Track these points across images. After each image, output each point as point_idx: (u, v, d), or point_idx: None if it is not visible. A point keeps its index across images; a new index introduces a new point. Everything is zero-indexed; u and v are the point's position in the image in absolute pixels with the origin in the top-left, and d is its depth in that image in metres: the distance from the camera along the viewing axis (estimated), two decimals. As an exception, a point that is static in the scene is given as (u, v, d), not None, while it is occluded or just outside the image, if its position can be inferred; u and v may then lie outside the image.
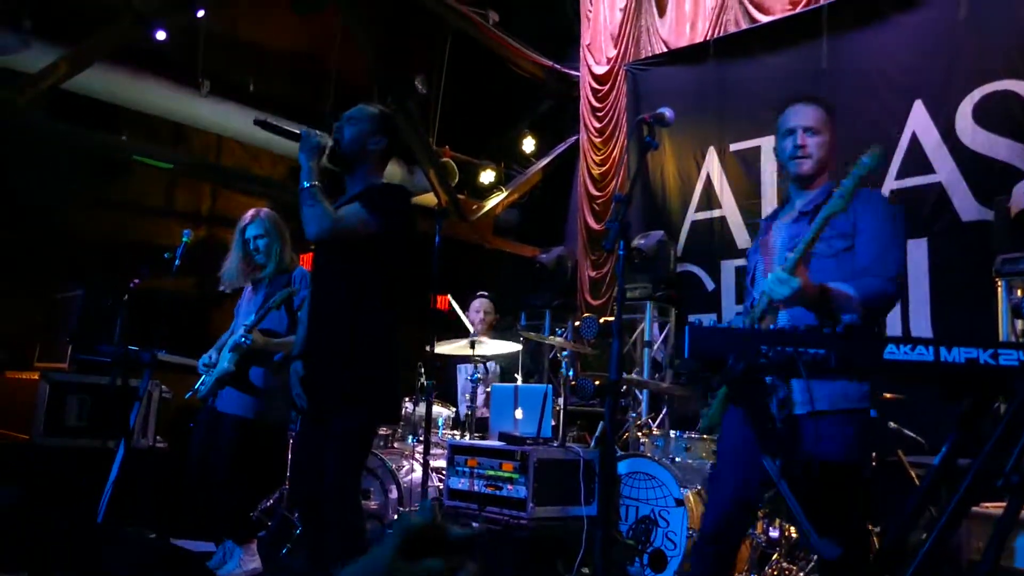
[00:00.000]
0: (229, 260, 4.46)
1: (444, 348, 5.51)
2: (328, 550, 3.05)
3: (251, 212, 4.48)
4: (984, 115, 5.35)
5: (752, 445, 2.57)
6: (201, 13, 6.80)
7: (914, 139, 5.65)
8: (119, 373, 4.57)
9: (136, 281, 4.62)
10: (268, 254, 4.37)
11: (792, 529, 4.41)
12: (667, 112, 2.52)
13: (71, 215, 6.94)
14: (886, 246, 2.59)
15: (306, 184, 2.99)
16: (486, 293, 6.48)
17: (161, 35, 6.61)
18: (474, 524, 4.18)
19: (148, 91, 6.87)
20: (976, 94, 5.39)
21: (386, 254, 3.14)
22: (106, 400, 5.29)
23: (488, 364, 5.96)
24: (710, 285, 6.73)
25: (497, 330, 6.48)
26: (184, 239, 4.54)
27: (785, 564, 4.29)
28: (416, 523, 0.74)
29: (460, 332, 6.11)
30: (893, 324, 5.53)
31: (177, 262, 4.50)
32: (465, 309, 6.41)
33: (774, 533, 4.43)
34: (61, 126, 6.55)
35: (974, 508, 3.05)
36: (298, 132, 3.09)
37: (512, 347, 5.67)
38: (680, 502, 4.25)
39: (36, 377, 5.36)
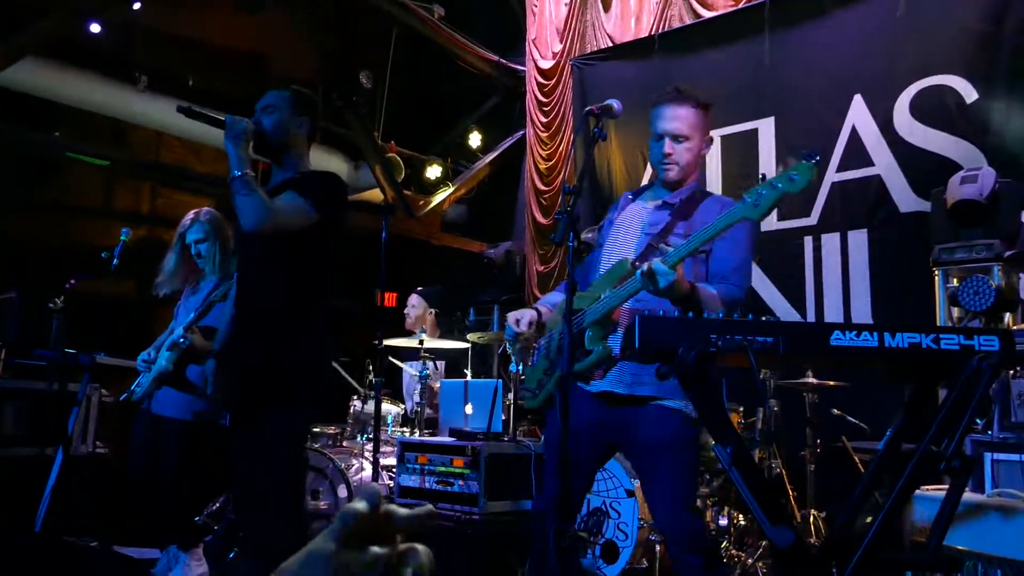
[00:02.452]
0: (165, 263, 4.30)
1: (392, 344, 5.47)
2: (275, 551, 2.97)
3: (191, 215, 4.32)
4: (921, 109, 5.47)
5: (596, 426, 2.70)
6: (137, 6, 6.63)
7: (854, 132, 5.76)
8: (56, 377, 4.43)
9: (72, 283, 4.49)
10: (211, 258, 4.24)
11: (740, 517, 4.47)
12: (615, 103, 2.52)
13: (3, 216, 6.72)
14: (743, 259, 2.72)
15: (237, 172, 2.87)
16: (420, 289, 6.43)
17: (96, 28, 6.44)
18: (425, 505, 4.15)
19: (83, 87, 6.68)
20: (913, 88, 5.51)
21: (321, 243, 3.02)
22: (44, 406, 5.14)
23: (436, 361, 5.93)
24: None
25: (440, 326, 6.45)
26: (123, 238, 4.41)
27: (734, 551, 4.35)
28: (359, 510, 0.71)
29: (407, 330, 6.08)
30: (835, 312, 5.64)
31: (115, 262, 4.36)
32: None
33: (723, 521, 4.48)
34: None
35: (917, 491, 3.13)
36: (222, 119, 2.96)
37: (459, 344, 5.65)
38: (631, 493, 4.28)
39: (-31, 383, 5.19)
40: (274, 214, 2.86)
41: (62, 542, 4.10)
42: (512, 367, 4.85)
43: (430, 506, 0.76)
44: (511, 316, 2.84)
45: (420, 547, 0.73)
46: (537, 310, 2.87)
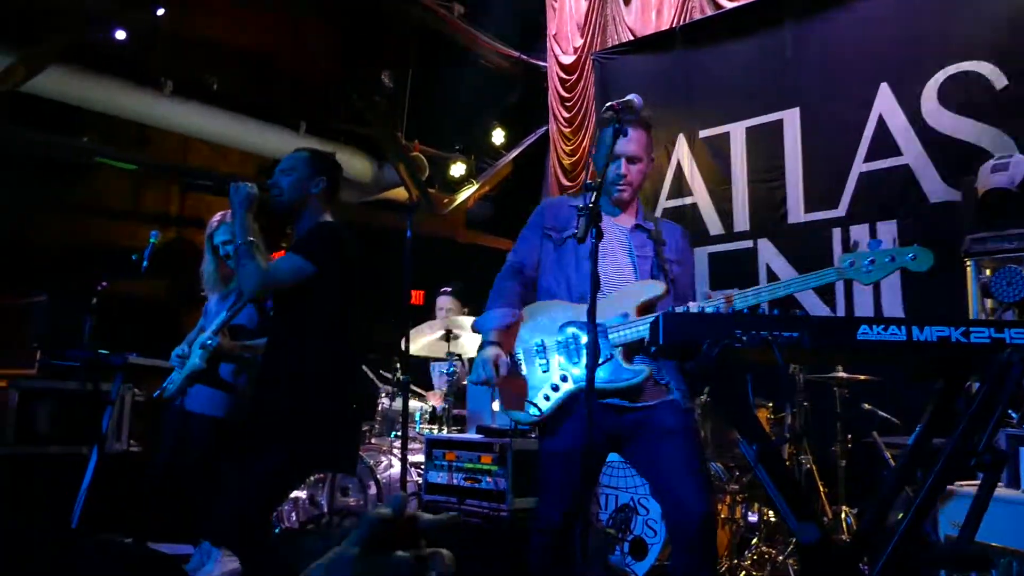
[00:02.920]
0: (204, 266, 4.37)
1: (419, 343, 5.48)
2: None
3: (217, 217, 4.38)
4: (949, 96, 5.39)
5: (602, 435, 2.67)
6: (161, 12, 6.69)
7: (881, 121, 5.69)
8: (89, 377, 4.50)
9: (103, 284, 4.55)
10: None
11: (770, 513, 4.44)
12: (635, 98, 2.51)
13: (36, 220, 6.83)
14: (692, 282, 2.94)
15: (240, 241, 3.06)
16: (449, 288, 6.44)
17: (121, 35, 6.51)
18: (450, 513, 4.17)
19: (110, 92, 6.76)
20: (941, 75, 5.43)
21: (323, 295, 3.10)
22: (77, 405, 5.22)
23: (464, 359, 5.93)
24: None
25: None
26: (152, 240, 4.47)
27: (764, 548, 4.32)
28: (382, 516, 0.72)
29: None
30: (865, 306, 5.58)
31: (145, 264, 4.42)
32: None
33: (753, 518, 4.46)
34: (21, 130, 6.43)
35: (949, 486, 3.09)
36: (225, 186, 3.16)
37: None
38: (659, 489, 4.27)
39: (4, 385, 5.27)
40: (269, 279, 3.04)
41: (98, 539, 4.16)
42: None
43: (454, 513, 0.77)
44: (487, 363, 2.72)
45: (444, 552, 0.73)
46: (497, 343, 2.79)
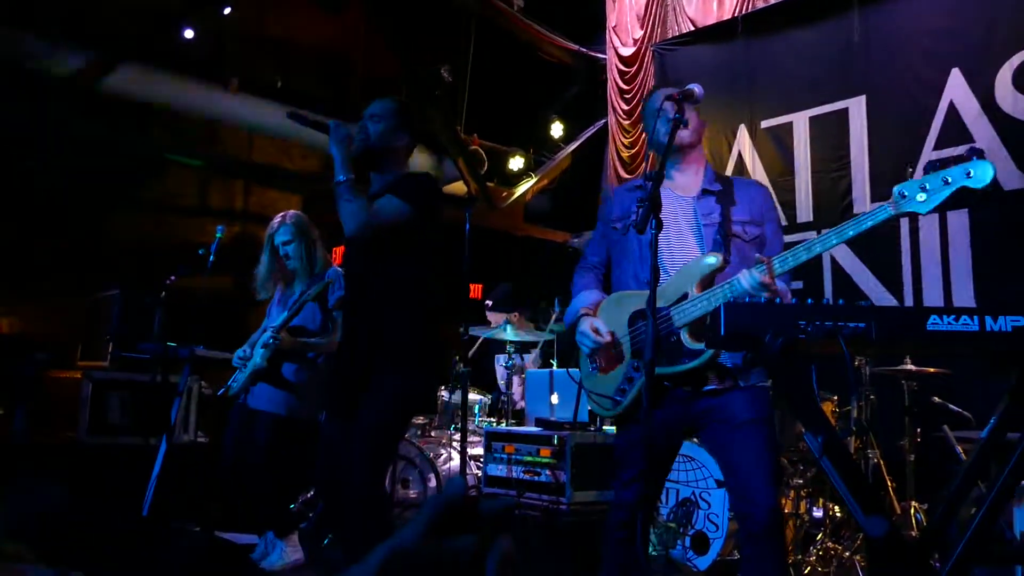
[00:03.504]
0: (260, 267, 4.44)
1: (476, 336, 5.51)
2: (360, 544, 3.04)
3: (278, 218, 4.44)
4: (1024, 82, 5.21)
5: (673, 421, 2.64)
6: (228, 11, 6.83)
7: (951, 108, 5.52)
8: (159, 370, 4.62)
9: (172, 278, 4.67)
10: (298, 259, 4.35)
11: (836, 508, 4.35)
12: (696, 88, 2.46)
13: (107, 216, 7.03)
14: (782, 240, 2.75)
15: (341, 177, 3.02)
16: (489, 303, 6.45)
17: (189, 34, 6.66)
18: (509, 497, 4.18)
19: (178, 90, 6.92)
20: (1016, 60, 5.25)
21: (419, 244, 3.15)
22: (147, 397, 5.36)
23: (524, 354, 5.96)
24: (745, 264, 6.65)
25: (527, 319, 6.46)
26: (218, 235, 4.57)
27: (830, 544, 4.23)
28: (446, 500, 0.72)
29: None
30: (934, 296, 5.42)
31: (212, 258, 4.53)
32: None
33: (818, 513, 4.37)
34: (93, 128, 6.63)
35: (1024, 482, 2.99)
36: (327, 123, 3.11)
37: (544, 335, 5.66)
38: (721, 483, 4.21)
39: (78, 376, 5.45)
40: (373, 219, 3.02)
41: (168, 527, 4.27)
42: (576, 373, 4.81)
43: (515, 499, 0.77)
44: (588, 327, 2.73)
45: (505, 537, 0.73)
46: (588, 314, 2.80)
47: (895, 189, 2.21)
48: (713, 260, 2.54)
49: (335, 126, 3.10)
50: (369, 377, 3.04)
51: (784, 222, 6.35)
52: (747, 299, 2.38)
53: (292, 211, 4.52)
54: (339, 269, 4.41)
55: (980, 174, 2.08)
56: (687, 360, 2.54)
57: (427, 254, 3.19)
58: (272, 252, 4.39)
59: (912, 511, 4.24)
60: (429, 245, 3.19)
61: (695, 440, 4.44)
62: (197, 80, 7.00)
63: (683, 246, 2.72)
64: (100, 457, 5.22)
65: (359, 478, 3.00)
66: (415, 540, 0.70)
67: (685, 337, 2.55)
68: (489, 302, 6.44)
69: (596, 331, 2.71)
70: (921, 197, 2.15)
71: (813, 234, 6.07)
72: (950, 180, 2.11)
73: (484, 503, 0.74)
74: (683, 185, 2.79)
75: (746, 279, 2.38)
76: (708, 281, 2.55)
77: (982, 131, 5.37)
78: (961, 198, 5.37)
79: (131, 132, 6.95)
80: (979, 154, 2.08)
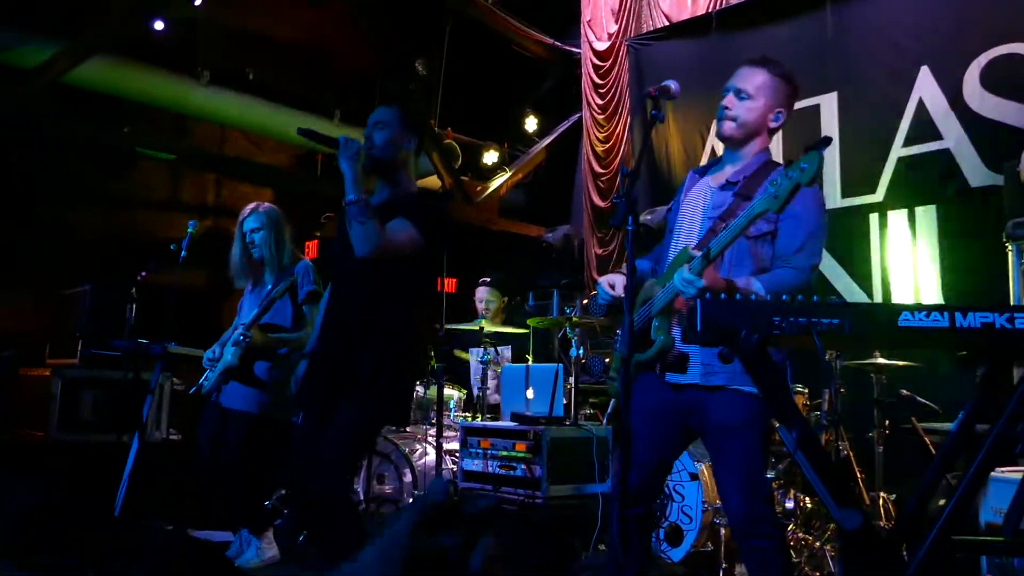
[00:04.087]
0: (232, 255, 4.41)
1: (452, 328, 5.51)
2: (335, 542, 3.02)
3: (250, 206, 4.41)
4: (992, 79, 5.29)
5: (666, 408, 2.68)
6: (199, 2, 6.75)
7: (921, 105, 5.60)
8: (130, 367, 4.57)
9: (143, 274, 4.62)
10: (266, 247, 4.32)
11: (807, 499, 4.41)
12: (672, 84, 2.48)
13: (76, 210, 6.94)
14: (808, 237, 2.61)
15: (352, 197, 2.93)
16: (488, 280, 6.46)
17: (159, 25, 6.58)
18: (486, 498, 4.19)
19: (148, 82, 6.84)
20: (983, 58, 5.33)
21: (421, 266, 3.16)
22: (119, 394, 5.31)
23: (499, 347, 5.95)
24: (718, 259, 6.70)
25: (506, 313, 6.47)
26: (189, 230, 4.52)
27: (801, 534, 4.29)
28: (431, 501, 0.73)
29: (471, 315, 6.10)
30: (904, 291, 5.50)
31: (183, 254, 4.48)
32: (473, 292, 6.41)
33: (789, 504, 4.42)
34: (62, 121, 6.53)
35: (992, 473, 3.04)
36: (337, 139, 3.05)
37: (520, 329, 5.67)
38: (695, 476, 4.26)
39: (48, 373, 5.38)
40: (388, 244, 2.97)
41: (140, 525, 4.24)
42: (572, 352, 4.84)
43: (494, 500, 0.78)
44: (604, 280, 2.79)
45: (489, 537, 0.74)
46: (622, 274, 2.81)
47: (766, 185, 2.34)
48: (686, 253, 2.55)
49: (345, 141, 3.03)
50: (350, 379, 3.00)
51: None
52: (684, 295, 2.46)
53: (267, 203, 4.50)
54: (308, 263, 4.40)
55: (809, 165, 2.20)
56: (646, 349, 2.62)
57: (426, 274, 3.25)
58: (242, 239, 4.37)
59: (881, 501, 4.32)
60: (426, 270, 3.23)
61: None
62: (168, 72, 6.91)
63: (687, 237, 2.74)
64: (71, 455, 5.16)
65: (329, 476, 2.93)
66: (402, 540, 0.71)
67: (655, 325, 2.62)
68: (487, 279, 6.43)
69: (611, 286, 2.77)
70: (775, 196, 2.28)
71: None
72: (791, 176, 2.24)
73: (467, 503, 0.75)
74: (722, 175, 2.80)
75: (677, 277, 2.43)
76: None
77: (951, 128, 5.45)
78: (928, 193, 5.43)
79: (100, 125, 6.86)
80: (815, 146, 2.23)
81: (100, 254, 6.73)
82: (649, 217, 6.55)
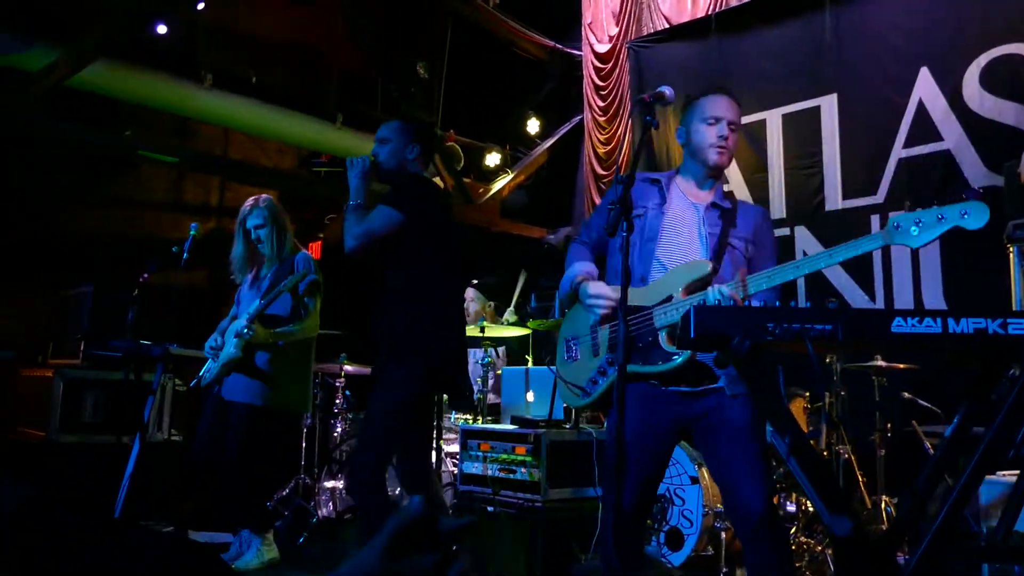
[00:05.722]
0: (234, 251, 4.50)
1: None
2: (368, 525, 3.31)
3: (250, 201, 4.49)
4: (991, 80, 5.29)
5: (665, 422, 2.66)
6: (201, 6, 6.77)
7: (921, 107, 5.60)
8: (132, 368, 4.59)
9: (145, 276, 4.64)
10: (270, 242, 4.40)
11: (808, 503, 4.41)
12: (667, 91, 2.49)
13: (79, 213, 6.96)
14: (775, 262, 2.72)
15: (352, 202, 3.33)
16: (476, 283, 6.49)
17: (162, 29, 6.60)
18: (488, 508, 4.19)
19: (151, 86, 6.84)
20: (983, 59, 5.33)
21: (410, 245, 3.31)
22: (120, 395, 5.32)
23: (497, 348, 5.96)
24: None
25: (500, 315, 6.47)
26: (192, 232, 4.55)
27: (803, 538, 4.29)
28: (404, 520, 0.73)
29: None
30: (905, 294, 5.50)
31: (185, 255, 4.50)
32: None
33: (791, 508, 4.43)
34: (65, 124, 6.55)
35: (990, 476, 3.04)
36: (344, 161, 3.44)
37: (521, 331, 5.67)
38: (695, 480, 4.26)
39: (50, 374, 5.40)
40: (365, 229, 3.28)
41: (139, 527, 4.24)
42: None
43: (473, 518, 0.78)
44: (600, 290, 2.68)
45: (464, 554, 0.75)
46: (592, 278, 2.81)
47: (891, 219, 2.26)
48: (706, 267, 2.59)
49: (351, 163, 3.41)
50: (379, 374, 3.33)
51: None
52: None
53: (264, 195, 4.55)
54: (307, 253, 4.48)
55: (976, 216, 2.12)
56: (661, 362, 2.57)
57: (427, 256, 3.36)
58: (244, 235, 4.44)
59: (883, 505, 4.31)
60: (417, 249, 3.34)
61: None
62: (171, 76, 6.92)
63: (688, 249, 2.75)
64: (72, 456, 5.17)
65: (360, 462, 3.35)
66: (376, 560, 0.71)
67: (663, 339, 2.57)
68: (475, 282, 6.45)
69: (600, 296, 2.68)
70: (915, 231, 2.19)
71: (787, 230, 6.18)
72: (944, 217, 2.15)
73: (445, 520, 0.75)
74: (696, 194, 2.85)
75: (713, 293, 2.45)
76: (695, 287, 2.57)
77: (950, 129, 5.45)
78: (929, 194, 5.44)
79: (103, 128, 6.87)
80: (975, 195, 2.13)
81: (103, 255, 6.74)
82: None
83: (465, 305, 6.35)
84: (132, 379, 4.54)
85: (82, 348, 5.66)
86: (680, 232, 2.79)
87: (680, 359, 2.54)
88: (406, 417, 3.33)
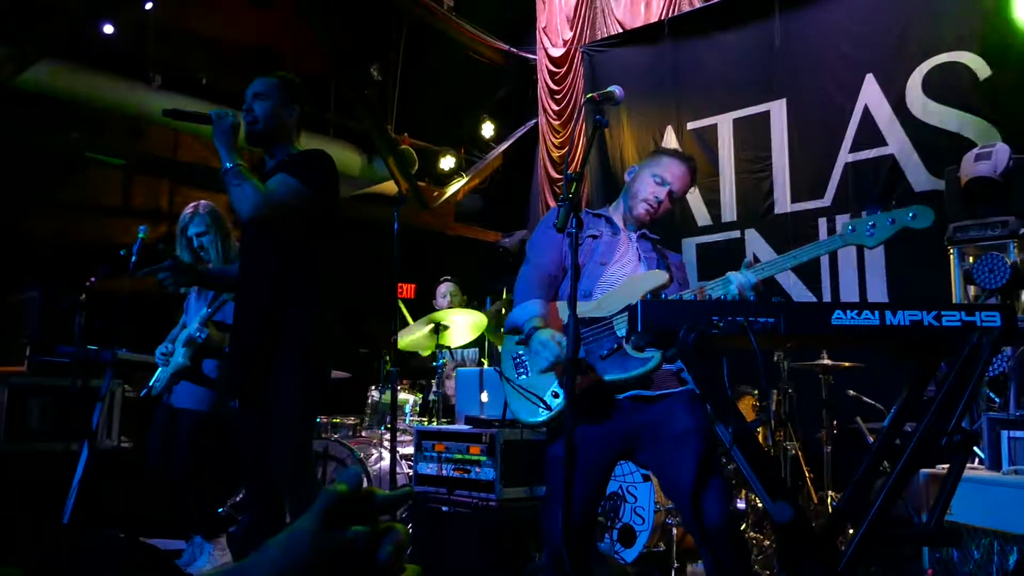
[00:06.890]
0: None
1: (412, 336, 5.51)
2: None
3: (190, 209, 4.35)
4: (934, 87, 5.44)
5: (609, 432, 2.66)
6: (149, 6, 6.69)
7: (866, 112, 5.74)
8: (79, 374, 4.51)
9: (93, 280, 4.56)
10: (214, 249, 4.29)
11: (758, 499, 4.48)
12: (616, 90, 2.52)
13: (25, 216, 6.82)
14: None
15: (228, 164, 2.92)
16: (449, 276, 6.49)
17: (108, 29, 6.51)
18: (443, 508, 4.20)
19: (99, 87, 6.74)
20: (925, 66, 5.48)
21: (316, 216, 3.06)
22: (68, 402, 5.22)
23: (467, 352, 5.99)
24: (672, 263, 6.79)
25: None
26: (140, 235, 4.46)
27: (752, 533, 4.36)
28: (339, 491, 0.74)
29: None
30: (851, 294, 5.62)
31: (134, 259, 4.43)
32: (431, 297, 6.42)
33: (741, 505, 4.50)
34: (10, 125, 6.42)
35: (931, 470, 3.13)
36: (208, 114, 3.00)
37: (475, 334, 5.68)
38: (647, 477, 4.30)
39: (-5, 381, 5.28)
40: (268, 199, 2.91)
41: (90, 534, 4.18)
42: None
43: (409, 488, 0.79)
44: (548, 343, 2.57)
45: (398, 526, 0.76)
46: (545, 326, 2.70)
47: (847, 223, 2.43)
48: (663, 276, 2.64)
49: (217, 117, 2.98)
50: (270, 363, 2.97)
51: (709, 221, 6.53)
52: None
53: (204, 201, 4.42)
54: None
55: (923, 217, 2.35)
56: (640, 366, 2.56)
57: (325, 232, 3.11)
58: (187, 244, 4.31)
59: (829, 500, 4.41)
60: (327, 223, 3.11)
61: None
62: (119, 76, 6.83)
63: (628, 267, 2.82)
64: (19, 464, 5.06)
65: (286, 472, 2.97)
66: (309, 531, 0.72)
67: (628, 347, 2.55)
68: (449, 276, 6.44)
69: (559, 344, 2.57)
70: (869, 233, 2.38)
71: (737, 233, 6.29)
72: (895, 220, 2.37)
73: (379, 494, 0.76)
74: (628, 230, 2.94)
75: (739, 277, 2.51)
76: (654, 296, 2.59)
77: (895, 135, 5.59)
78: (874, 198, 5.55)
79: (50, 129, 6.75)
80: (924, 201, 2.36)
81: (49, 260, 6.62)
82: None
83: (441, 300, 6.35)
84: (80, 385, 4.46)
85: (28, 354, 5.55)
86: (620, 252, 2.86)
87: (656, 359, 2.54)
88: (313, 417, 3.27)
